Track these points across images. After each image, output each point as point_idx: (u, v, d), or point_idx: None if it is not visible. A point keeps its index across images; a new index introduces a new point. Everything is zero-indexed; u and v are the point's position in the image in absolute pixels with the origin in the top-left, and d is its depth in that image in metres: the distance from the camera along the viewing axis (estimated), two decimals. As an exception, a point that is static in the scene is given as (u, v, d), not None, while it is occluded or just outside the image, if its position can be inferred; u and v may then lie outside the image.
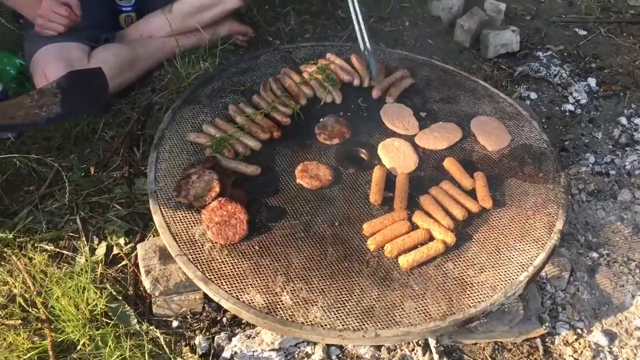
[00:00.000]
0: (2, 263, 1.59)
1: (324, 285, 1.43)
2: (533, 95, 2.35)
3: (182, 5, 2.27)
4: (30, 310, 1.50)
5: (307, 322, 1.36)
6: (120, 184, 1.87)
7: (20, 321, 1.49)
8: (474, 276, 1.47)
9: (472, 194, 1.64)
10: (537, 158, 1.79)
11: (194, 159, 1.71)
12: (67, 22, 1.96)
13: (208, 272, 1.43)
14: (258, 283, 1.42)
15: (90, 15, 2.11)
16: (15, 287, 1.55)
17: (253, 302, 1.38)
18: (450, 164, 1.72)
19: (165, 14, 2.27)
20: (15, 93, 2.00)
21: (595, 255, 1.79)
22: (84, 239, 1.70)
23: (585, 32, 2.66)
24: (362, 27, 1.97)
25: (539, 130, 1.87)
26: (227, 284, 1.41)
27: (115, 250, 1.68)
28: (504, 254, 1.53)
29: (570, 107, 2.31)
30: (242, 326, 1.56)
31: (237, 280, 1.42)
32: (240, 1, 2.27)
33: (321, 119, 1.85)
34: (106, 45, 2.14)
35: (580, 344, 1.59)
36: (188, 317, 1.58)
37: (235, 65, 2.06)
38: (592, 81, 2.40)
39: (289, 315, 1.36)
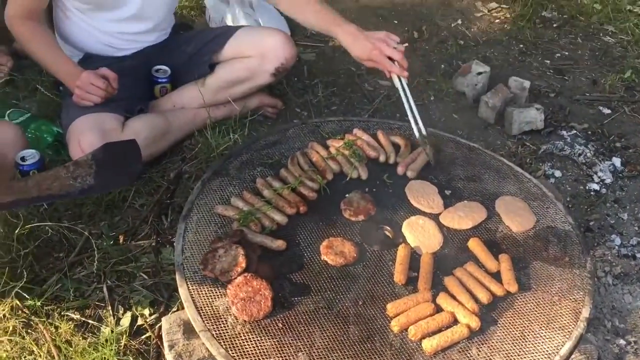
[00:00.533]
0: (29, 331, 1.61)
1: (346, 368, 1.42)
2: (558, 174, 2.36)
3: (216, 80, 2.35)
4: (53, 380, 1.51)
5: (329, 406, 1.34)
6: (148, 252, 1.90)
7: (42, 392, 1.50)
8: (499, 363, 1.45)
9: (497, 276, 1.64)
10: (563, 240, 1.79)
11: (221, 231, 1.74)
12: (103, 95, 2.04)
13: (231, 350, 1.44)
14: (281, 363, 1.41)
15: (127, 86, 2.19)
16: (40, 356, 1.56)
17: (275, 383, 1.37)
18: (475, 245, 1.72)
19: (198, 86, 2.35)
20: (52, 160, 2.07)
21: (622, 342, 1.76)
22: (109, 308, 1.72)
23: (609, 111, 2.69)
24: (415, 111, 1.98)
25: (564, 213, 1.87)
26: (249, 363, 1.41)
27: (140, 321, 1.70)
28: (530, 341, 1.51)
29: (595, 186, 2.32)
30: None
31: (260, 358, 1.42)
32: (271, 77, 2.33)
33: (347, 195, 1.88)
34: (140, 115, 2.21)
35: None
36: (209, 392, 1.57)
37: (264, 138, 2.12)
38: (616, 161, 2.41)
39: (311, 399, 1.35)
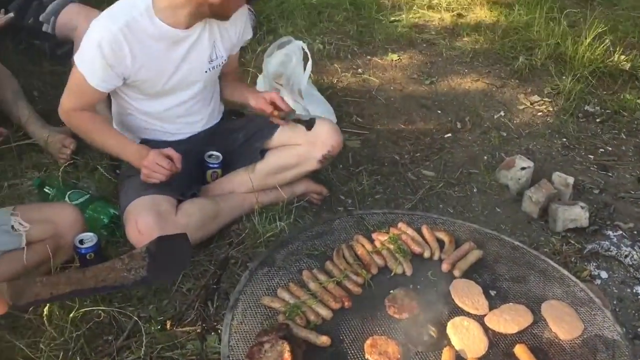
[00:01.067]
0: (76, 417, 1.64)
1: None
2: (604, 275, 2.34)
3: (265, 166, 2.44)
4: None
5: None
6: (193, 339, 1.93)
7: None
8: None
9: (543, 386, 1.62)
10: (611, 349, 1.76)
11: (267, 323, 1.77)
12: (168, 174, 2.13)
13: None
14: None
15: (182, 171, 2.29)
16: None
17: None
18: (521, 352, 1.71)
19: (248, 172, 2.44)
20: (107, 241, 2.15)
21: None
22: (154, 397, 1.75)
23: (655, 210, 2.68)
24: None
25: (613, 321, 1.85)
26: None
27: (183, 412, 1.71)
28: None
29: (642, 289, 2.28)
30: None
31: None
32: (318, 164, 2.41)
33: (391, 291, 1.90)
34: (193, 199, 2.29)
35: None
36: None
37: (311, 228, 2.17)
38: (664, 263, 2.37)
39: None
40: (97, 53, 2.05)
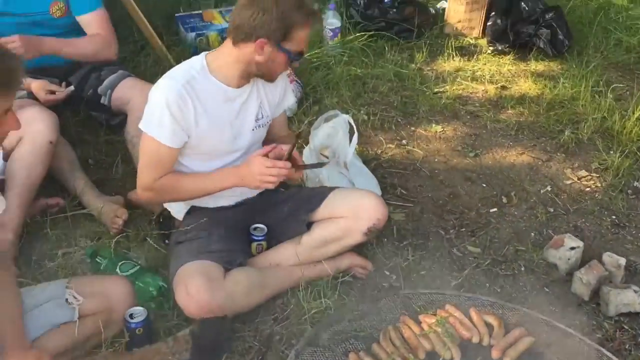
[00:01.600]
0: None
1: None
2: (660, 364, 2.25)
3: (311, 239, 2.46)
4: None
5: None
6: (238, 419, 1.92)
7: None
8: None
9: None
10: None
11: (313, 408, 1.75)
12: (284, 173, 2.21)
13: None
14: None
15: (228, 238, 2.36)
16: None
17: None
18: None
19: (294, 245, 2.46)
20: (155, 314, 2.18)
21: None
22: None
23: None
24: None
25: (673, 420, 1.77)
26: None
27: None
28: None
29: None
30: None
31: None
32: (363, 237, 2.43)
33: (439, 379, 1.87)
34: (240, 267, 2.31)
35: None
36: None
37: (356, 307, 2.17)
38: None
39: None
40: (165, 111, 2.17)
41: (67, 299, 1.92)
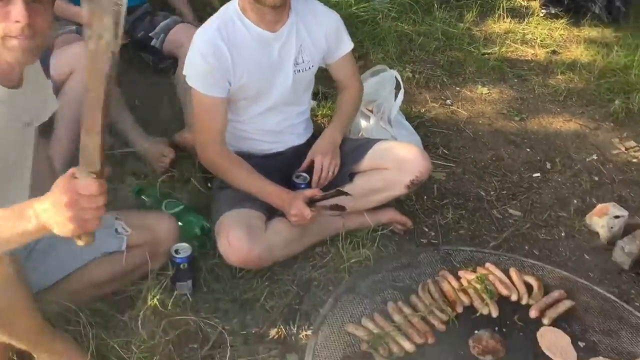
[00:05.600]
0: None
1: None
2: (698, 336, 2.22)
3: (353, 189, 2.45)
4: None
5: None
6: (273, 357, 1.97)
7: None
8: None
9: None
10: None
11: (349, 350, 1.79)
12: (312, 220, 2.23)
13: None
14: None
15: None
16: None
17: None
18: (610, 409, 1.65)
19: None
20: (198, 252, 2.23)
21: None
22: (235, 409, 1.79)
23: None
24: None
25: None
26: None
27: None
28: None
29: None
30: None
31: None
32: (405, 189, 2.41)
33: (476, 331, 1.88)
34: (282, 217, 2.33)
35: None
36: None
37: (396, 259, 2.18)
38: None
39: None
40: (201, 61, 2.18)
41: (116, 229, 1.97)
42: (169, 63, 3.14)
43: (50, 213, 1.25)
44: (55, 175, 2.19)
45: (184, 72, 2.27)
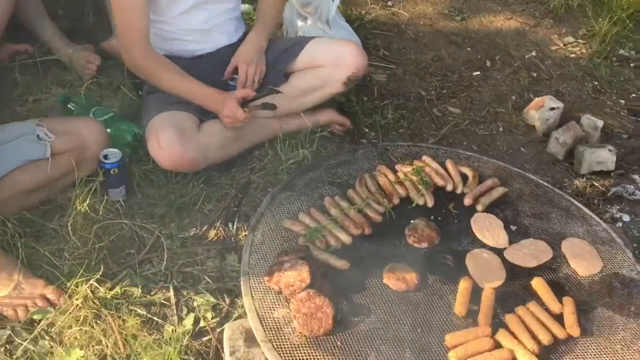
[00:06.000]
0: (99, 322, 1.69)
1: (402, 395, 1.43)
2: (626, 218, 2.32)
3: (289, 88, 2.38)
4: (118, 372, 1.58)
5: None
6: (213, 257, 1.96)
7: (107, 381, 1.57)
8: (556, 408, 1.44)
9: (559, 318, 1.63)
10: (629, 288, 1.76)
11: (286, 245, 1.79)
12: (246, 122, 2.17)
13: (290, 363, 1.48)
14: (338, 382, 1.44)
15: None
16: (107, 347, 1.64)
17: (331, 402, 1.40)
18: (538, 285, 1.71)
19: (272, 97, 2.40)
20: (130, 159, 2.16)
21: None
22: (174, 307, 1.79)
23: (684, 157, 2.63)
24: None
25: (633, 261, 1.84)
26: (308, 379, 1.44)
27: (202, 323, 1.75)
28: (589, 389, 1.49)
29: (664, 233, 2.26)
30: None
31: (317, 375, 1.45)
32: (342, 86, 2.36)
33: (412, 221, 1.90)
34: (215, 119, 2.26)
35: None
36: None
37: (334, 157, 2.16)
38: (689, 210, 2.35)
39: (366, 421, 1.37)
40: None
41: (38, 135, 1.88)
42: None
43: None
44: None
45: None
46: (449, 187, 2.03)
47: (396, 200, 1.97)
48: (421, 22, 3.37)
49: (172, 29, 2.30)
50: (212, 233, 2.03)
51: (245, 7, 3.13)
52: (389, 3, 3.48)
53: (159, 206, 2.09)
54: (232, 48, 2.42)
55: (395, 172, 2.07)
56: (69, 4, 2.95)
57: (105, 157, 2.00)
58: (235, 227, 2.07)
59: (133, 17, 2.13)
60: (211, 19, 2.35)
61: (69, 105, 2.34)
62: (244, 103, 2.17)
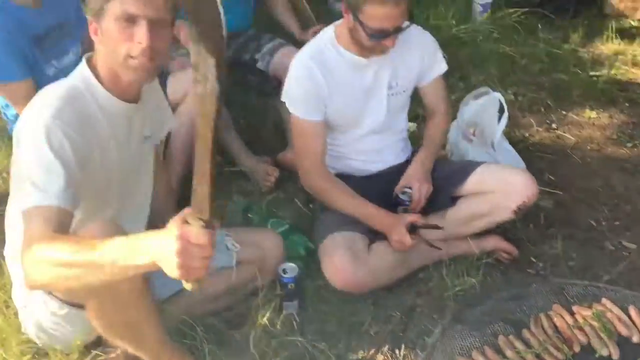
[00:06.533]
0: None
1: None
2: None
3: (457, 213, 2.41)
4: None
5: None
6: (379, 385, 1.95)
7: None
8: None
9: None
10: None
11: (459, 383, 1.75)
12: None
13: None
14: None
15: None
16: None
17: None
18: None
19: (439, 219, 2.43)
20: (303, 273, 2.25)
21: None
22: None
23: None
24: None
25: None
26: None
27: None
28: None
29: None
30: None
31: None
32: (512, 214, 2.34)
33: (596, 373, 1.78)
34: (384, 241, 2.32)
35: None
36: None
37: (505, 289, 2.11)
38: None
39: None
40: (296, 85, 2.25)
41: (226, 245, 2.04)
42: (274, 86, 3.22)
43: (161, 254, 1.26)
44: (173, 193, 2.31)
45: (282, 99, 2.34)
46: (635, 339, 1.90)
47: (577, 348, 1.87)
48: (588, 147, 3.28)
49: (345, 150, 2.44)
50: (379, 357, 2.03)
51: (410, 125, 3.25)
52: (554, 126, 3.44)
53: (329, 322, 2.13)
54: (399, 167, 2.51)
55: (572, 314, 1.98)
56: (250, 116, 3.25)
57: (284, 271, 2.11)
58: (402, 354, 2.05)
59: (311, 142, 2.30)
60: (382, 141, 2.47)
61: (249, 215, 2.52)
62: (413, 228, 2.22)
